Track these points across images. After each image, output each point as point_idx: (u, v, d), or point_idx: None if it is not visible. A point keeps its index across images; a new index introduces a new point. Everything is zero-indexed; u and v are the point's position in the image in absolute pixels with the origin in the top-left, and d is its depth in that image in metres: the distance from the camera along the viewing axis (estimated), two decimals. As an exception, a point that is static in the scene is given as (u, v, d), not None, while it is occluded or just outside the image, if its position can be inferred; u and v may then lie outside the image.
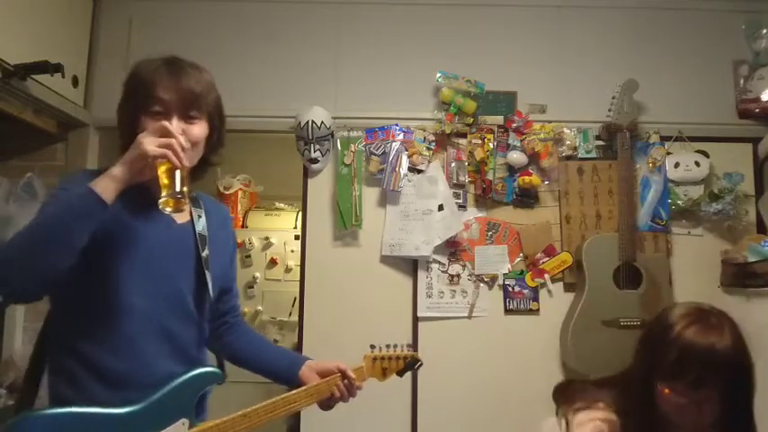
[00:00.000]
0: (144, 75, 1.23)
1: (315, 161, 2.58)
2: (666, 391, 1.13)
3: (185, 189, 1.13)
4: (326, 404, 1.47)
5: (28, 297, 1.11)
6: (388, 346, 1.62)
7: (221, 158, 1.37)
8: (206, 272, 1.30)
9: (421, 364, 1.65)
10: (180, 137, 1.15)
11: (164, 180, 1.11)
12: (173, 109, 1.21)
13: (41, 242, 1.05)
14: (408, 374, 1.69)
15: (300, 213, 2.83)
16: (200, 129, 1.25)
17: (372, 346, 1.61)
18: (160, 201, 1.11)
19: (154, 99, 1.20)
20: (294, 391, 1.40)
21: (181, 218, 1.31)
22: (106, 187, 1.09)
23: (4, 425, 1.12)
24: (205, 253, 1.31)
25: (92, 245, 1.11)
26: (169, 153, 1.10)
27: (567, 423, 1.23)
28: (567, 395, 1.31)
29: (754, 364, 1.16)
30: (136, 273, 1.20)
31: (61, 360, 1.18)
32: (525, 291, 2.57)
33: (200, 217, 1.35)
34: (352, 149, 2.60)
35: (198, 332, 1.32)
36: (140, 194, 1.21)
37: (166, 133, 1.13)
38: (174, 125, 1.18)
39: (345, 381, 1.47)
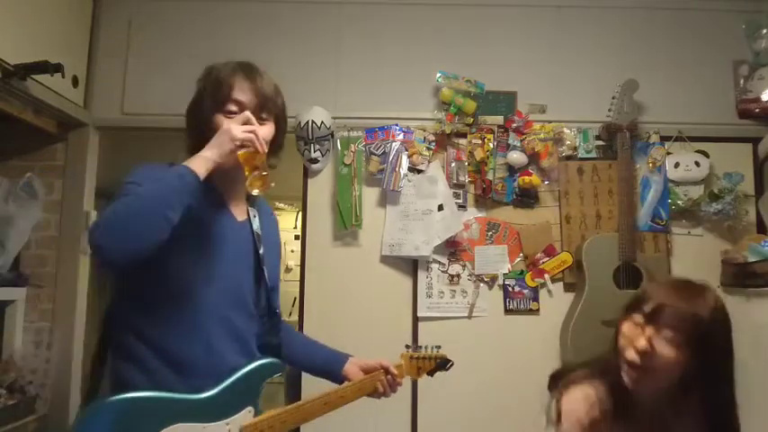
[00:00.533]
0: (222, 77, 1.32)
1: (315, 161, 2.59)
2: (622, 318, 1.14)
3: (266, 173, 1.23)
4: (370, 398, 1.55)
5: (120, 265, 1.13)
6: (420, 347, 1.71)
7: (279, 161, 1.45)
8: (263, 269, 1.37)
9: (452, 364, 1.74)
10: (260, 128, 1.26)
11: (251, 162, 1.23)
12: (247, 109, 1.29)
13: (142, 214, 1.10)
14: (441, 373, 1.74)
15: (300, 213, 2.83)
16: (268, 129, 1.35)
17: (408, 346, 1.70)
18: (247, 183, 1.22)
19: (231, 100, 1.29)
20: (343, 386, 1.48)
21: (240, 216, 1.37)
22: (200, 166, 1.17)
23: (81, 410, 1.19)
24: (261, 251, 1.38)
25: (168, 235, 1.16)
26: (254, 137, 1.21)
27: (558, 403, 1.23)
28: (561, 380, 1.32)
29: (731, 326, 1.12)
30: (204, 266, 1.25)
31: (129, 345, 1.21)
32: (525, 291, 2.57)
33: (255, 216, 1.41)
34: (352, 149, 2.60)
35: (255, 326, 1.37)
36: (208, 192, 1.27)
37: (250, 123, 1.24)
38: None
39: (389, 376, 1.55)
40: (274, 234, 1.49)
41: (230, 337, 1.28)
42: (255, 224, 1.40)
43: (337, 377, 1.53)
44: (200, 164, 1.18)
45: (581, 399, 1.19)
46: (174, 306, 1.22)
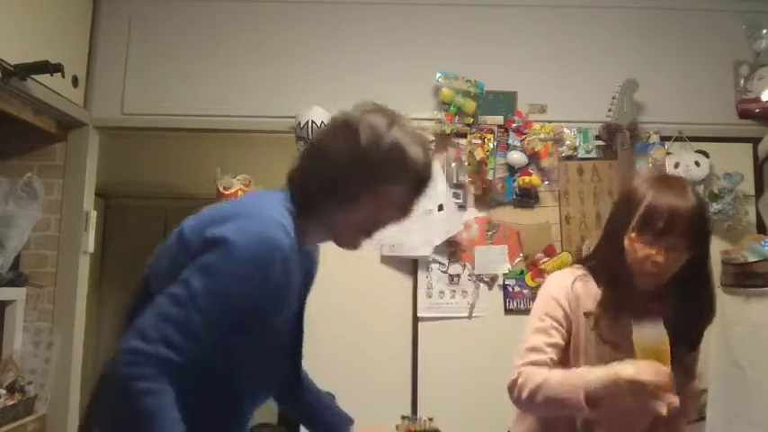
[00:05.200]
0: (423, 187, 1.14)
1: (315, 161, 2.58)
2: (633, 236, 1.23)
3: None
4: None
5: None
6: (416, 418, 1.71)
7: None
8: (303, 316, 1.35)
9: None
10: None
11: None
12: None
13: None
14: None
15: (300, 213, 2.83)
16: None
17: (404, 417, 1.70)
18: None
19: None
20: None
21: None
22: None
23: None
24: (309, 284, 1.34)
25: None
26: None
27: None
28: None
29: (711, 226, 1.29)
30: (269, 351, 1.17)
31: None
32: (525, 291, 2.57)
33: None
34: (352, 149, 2.60)
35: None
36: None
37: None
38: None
39: None
40: (315, 261, 1.44)
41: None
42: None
43: None
44: None
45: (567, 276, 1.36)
46: (222, 386, 1.10)
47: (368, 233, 1.16)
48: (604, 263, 1.31)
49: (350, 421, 1.40)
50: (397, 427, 1.57)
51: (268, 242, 1.00)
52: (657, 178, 1.33)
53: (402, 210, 1.14)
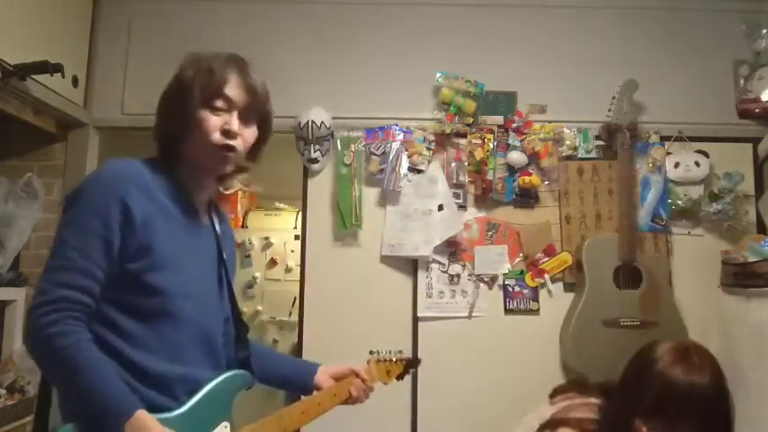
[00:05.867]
0: (214, 68, 1.21)
1: (315, 161, 2.58)
2: (645, 429, 1.14)
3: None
4: (346, 404, 1.53)
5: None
6: (388, 352, 1.71)
7: (252, 165, 1.34)
8: (229, 273, 1.32)
9: (419, 362, 1.78)
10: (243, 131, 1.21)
11: None
12: (236, 109, 1.21)
13: (64, 380, 1.08)
14: (409, 375, 1.72)
15: (300, 213, 2.83)
16: (252, 133, 1.26)
17: (372, 352, 1.69)
18: None
19: (221, 95, 1.20)
20: (319, 393, 1.47)
21: (205, 219, 1.30)
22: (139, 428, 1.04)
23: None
24: (225, 255, 1.31)
25: (138, 252, 1.11)
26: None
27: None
28: (564, 393, 1.33)
29: (733, 402, 1.16)
30: (182, 277, 1.17)
31: (107, 346, 1.12)
32: (525, 291, 2.57)
33: (215, 219, 1.34)
34: (352, 149, 2.60)
35: (222, 338, 1.30)
36: (178, 195, 1.21)
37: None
38: (235, 125, 1.20)
39: (359, 380, 1.53)
40: (231, 238, 1.43)
41: (205, 350, 1.22)
42: (217, 227, 1.33)
43: (308, 387, 1.49)
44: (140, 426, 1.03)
45: None
46: (152, 321, 1.13)
47: (225, 146, 1.21)
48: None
49: (315, 365, 1.53)
50: (368, 362, 1.65)
51: (104, 169, 1.15)
52: (674, 352, 1.19)
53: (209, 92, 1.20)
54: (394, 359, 1.69)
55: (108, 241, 1.08)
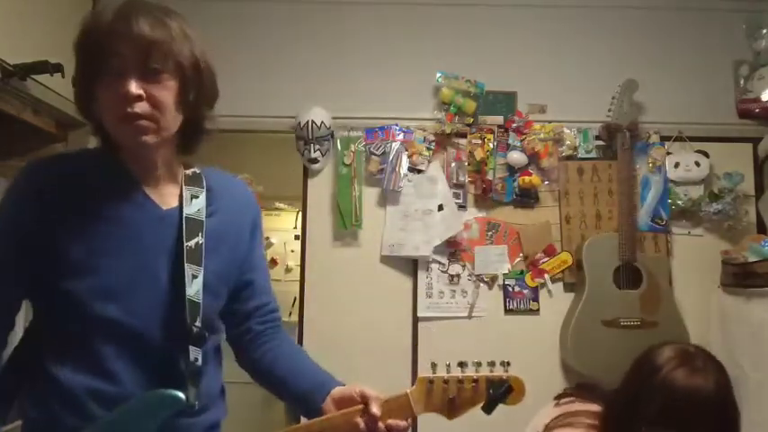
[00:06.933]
0: (89, 28, 0.98)
1: (315, 161, 2.58)
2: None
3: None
4: None
5: None
6: (461, 365, 1.10)
7: (215, 123, 1.13)
8: (185, 266, 1.04)
9: (510, 389, 1.15)
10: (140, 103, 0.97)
11: None
12: (127, 67, 0.96)
13: None
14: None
15: (300, 213, 2.83)
16: (165, 88, 0.99)
17: (434, 365, 1.11)
18: None
19: (103, 58, 0.96)
20: (294, 427, 1.11)
21: (170, 202, 1.09)
22: None
23: None
24: (194, 242, 1.05)
25: (39, 255, 1.00)
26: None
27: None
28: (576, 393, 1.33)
29: (738, 408, 1.15)
30: (109, 275, 1.00)
31: (34, 382, 1.05)
32: (525, 291, 2.57)
33: (194, 198, 1.10)
34: (352, 149, 2.60)
35: (178, 344, 1.04)
36: (119, 174, 1.06)
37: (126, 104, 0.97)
38: (129, 86, 0.96)
39: (365, 417, 1.05)
40: (237, 213, 1.18)
41: (136, 361, 1.01)
42: (194, 208, 1.08)
43: (314, 413, 1.11)
44: None
45: None
46: (72, 334, 1.00)
47: (126, 115, 0.98)
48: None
49: (333, 383, 1.15)
50: (417, 381, 1.12)
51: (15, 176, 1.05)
52: (678, 357, 1.17)
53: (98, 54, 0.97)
54: (466, 379, 1.10)
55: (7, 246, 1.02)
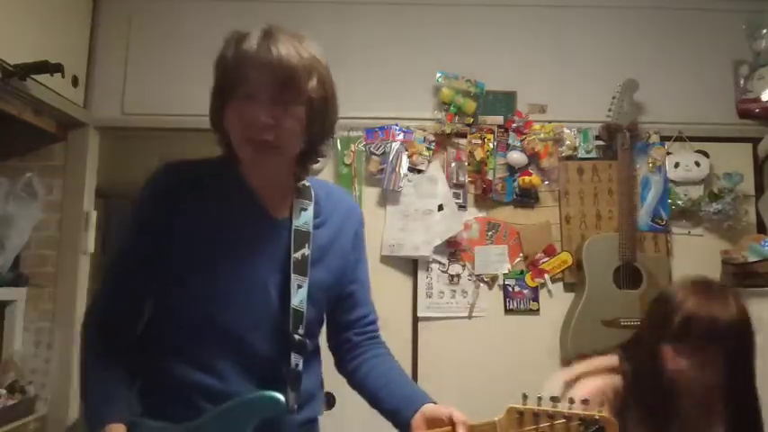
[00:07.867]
0: (228, 54, 1.07)
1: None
2: (672, 352, 1.21)
3: None
4: None
5: None
6: (554, 399, 1.04)
7: (327, 149, 1.19)
8: (292, 276, 1.10)
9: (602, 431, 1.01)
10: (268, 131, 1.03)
11: None
12: (259, 94, 1.03)
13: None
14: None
15: (300, 213, 2.83)
16: (293, 117, 1.05)
17: (525, 396, 1.08)
18: None
19: (238, 83, 1.03)
20: None
21: (280, 212, 1.15)
22: None
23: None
24: (301, 253, 1.11)
25: (175, 253, 1.08)
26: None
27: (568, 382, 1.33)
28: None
29: (755, 331, 1.25)
30: (222, 279, 1.08)
31: (150, 372, 1.12)
32: (525, 291, 2.57)
33: (303, 210, 1.15)
34: (353, 149, 2.60)
35: (288, 348, 1.11)
36: (237, 182, 1.13)
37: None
38: (263, 116, 1.02)
39: None
40: (344, 228, 1.23)
41: (237, 361, 1.08)
42: (302, 220, 1.14)
43: (404, 429, 1.12)
44: None
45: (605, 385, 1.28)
46: (179, 323, 1.09)
47: (254, 141, 1.05)
48: (641, 378, 1.27)
49: (424, 399, 1.16)
50: (507, 410, 1.16)
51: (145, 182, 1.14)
52: (698, 285, 1.29)
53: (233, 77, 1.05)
54: (559, 414, 1.02)
55: (137, 246, 1.13)
